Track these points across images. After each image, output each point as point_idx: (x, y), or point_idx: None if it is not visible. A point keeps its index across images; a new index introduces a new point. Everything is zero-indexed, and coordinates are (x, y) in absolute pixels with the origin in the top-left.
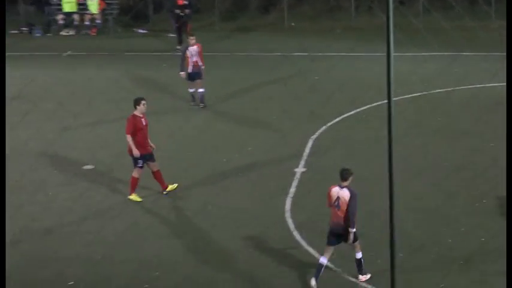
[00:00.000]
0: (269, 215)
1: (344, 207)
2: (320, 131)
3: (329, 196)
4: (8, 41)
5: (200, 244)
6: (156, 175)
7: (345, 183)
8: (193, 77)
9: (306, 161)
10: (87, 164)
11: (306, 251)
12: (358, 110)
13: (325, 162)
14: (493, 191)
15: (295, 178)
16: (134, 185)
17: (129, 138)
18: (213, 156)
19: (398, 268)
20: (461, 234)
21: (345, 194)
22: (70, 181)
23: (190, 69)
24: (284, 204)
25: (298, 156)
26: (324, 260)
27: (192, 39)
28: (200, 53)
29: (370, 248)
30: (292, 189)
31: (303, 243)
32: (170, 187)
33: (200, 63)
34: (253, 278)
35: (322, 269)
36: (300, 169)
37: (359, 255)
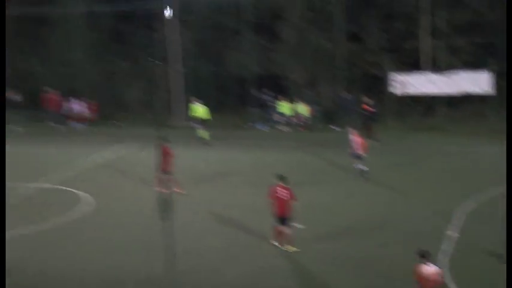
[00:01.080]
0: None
1: (434, 281)
2: (466, 203)
3: (422, 275)
4: (239, 133)
5: None
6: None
7: (429, 262)
8: (357, 157)
9: (456, 226)
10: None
11: None
12: (494, 188)
13: (471, 230)
14: None
15: (446, 239)
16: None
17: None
18: (371, 217)
19: None
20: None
21: (432, 270)
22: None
23: (354, 151)
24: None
25: (447, 221)
26: None
27: (353, 132)
28: (361, 143)
29: None
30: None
31: None
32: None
33: (360, 149)
34: None
35: None
36: (452, 233)
37: None
